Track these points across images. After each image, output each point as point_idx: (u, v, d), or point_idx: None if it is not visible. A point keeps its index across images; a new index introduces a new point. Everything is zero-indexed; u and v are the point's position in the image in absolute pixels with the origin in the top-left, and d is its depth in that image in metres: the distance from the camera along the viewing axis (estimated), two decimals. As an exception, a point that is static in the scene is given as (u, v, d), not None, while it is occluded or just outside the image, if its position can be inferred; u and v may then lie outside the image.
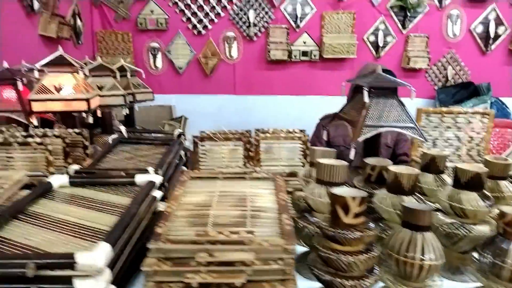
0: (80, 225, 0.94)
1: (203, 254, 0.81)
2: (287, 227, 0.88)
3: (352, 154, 1.33)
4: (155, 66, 4.02)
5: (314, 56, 3.95)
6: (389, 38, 3.97)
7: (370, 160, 1.19)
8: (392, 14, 3.91)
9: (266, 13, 3.88)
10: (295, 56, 3.95)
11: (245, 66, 4.05)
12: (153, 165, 1.42)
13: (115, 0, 3.85)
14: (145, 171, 1.31)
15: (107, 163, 1.48)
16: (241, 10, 3.89)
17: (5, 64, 1.81)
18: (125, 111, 2.28)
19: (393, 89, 1.47)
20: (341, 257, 0.78)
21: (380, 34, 3.93)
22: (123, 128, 1.73)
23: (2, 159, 1.31)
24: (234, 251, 0.82)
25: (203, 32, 3.95)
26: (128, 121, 2.56)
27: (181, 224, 0.95)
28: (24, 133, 1.42)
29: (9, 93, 1.76)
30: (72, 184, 1.19)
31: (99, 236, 0.88)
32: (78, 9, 3.54)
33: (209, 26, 3.94)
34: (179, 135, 1.78)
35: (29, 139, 1.30)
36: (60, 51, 1.80)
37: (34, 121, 1.72)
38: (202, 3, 3.84)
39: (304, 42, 3.97)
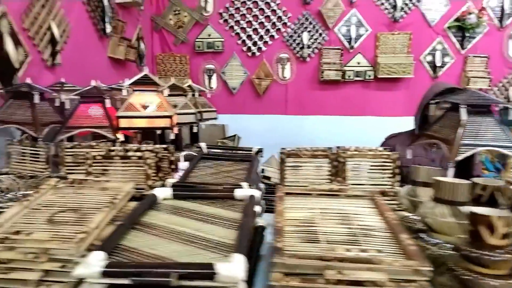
0: (199, 237, 0.95)
1: (332, 271, 0.80)
2: (411, 247, 0.85)
3: (451, 174, 1.29)
4: (210, 86, 4.13)
5: (369, 76, 3.92)
6: (447, 58, 3.88)
7: (478, 180, 1.14)
8: (450, 34, 3.84)
9: (320, 34, 3.92)
10: (348, 77, 3.94)
11: (297, 87, 4.08)
12: (240, 180, 1.43)
13: (175, 25, 4.02)
14: (239, 186, 1.33)
15: (195, 178, 1.51)
16: (295, 32, 3.95)
17: (93, 83, 1.92)
18: (195, 128, 2.35)
19: (487, 106, 1.42)
20: (488, 281, 0.74)
21: (438, 54, 3.86)
22: (203, 145, 1.77)
23: (101, 170, 1.37)
24: (365, 270, 0.80)
25: (257, 53, 4.03)
26: (193, 138, 2.62)
27: (294, 240, 0.94)
28: (125, 147, 1.48)
29: (95, 110, 1.85)
30: (175, 197, 1.22)
31: (223, 248, 0.89)
32: (142, 34, 3.73)
33: (263, 48, 4.02)
34: (257, 152, 1.80)
35: (130, 153, 1.35)
36: (145, 71, 1.89)
37: (121, 137, 1.80)
38: (257, 26, 3.94)
39: (358, 63, 3.96)
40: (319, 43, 3.95)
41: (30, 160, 1.77)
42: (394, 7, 3.79)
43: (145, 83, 1.85)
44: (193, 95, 2.60)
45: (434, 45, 3.88)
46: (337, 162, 1.48)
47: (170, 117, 1.81)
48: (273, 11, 3.90)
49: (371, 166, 1.48)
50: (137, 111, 1.80)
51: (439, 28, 3.85)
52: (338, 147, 1.63)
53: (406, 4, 3.80)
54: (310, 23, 3.90)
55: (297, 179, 1.51)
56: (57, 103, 2.01)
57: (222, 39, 4.01)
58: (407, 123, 3.87)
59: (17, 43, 2.05)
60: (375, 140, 4.10)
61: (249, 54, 4.05)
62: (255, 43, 4.01)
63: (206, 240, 0.94)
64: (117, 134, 1.79)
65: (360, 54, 3.94)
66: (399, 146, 2.44)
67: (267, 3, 3.91)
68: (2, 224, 0.97)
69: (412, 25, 3.84)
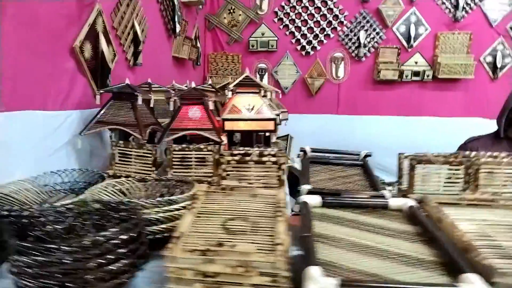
0: (391, 252, 0.91)
1: None
2: None
3: None
4: (261, 86, 4.09)
5: (427, 76, 3.83)
6: (507, 59, 3.77)
7: None
8: (512, 34, 3.73)
9: (377, 33, 3.84)
10: (406, 76, 3.86)
11: (351, 86, 4.02)
12: (364, 187, 1.39)
13: (229, 24, 3.99)
14: (381, 194, 1.29)
15: (318, 183, 1.47)
16: (351, 31, 3.88)
17: (192, 84, 1.89)
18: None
19: None
20: None
21: (499, 55, 3.75)
22: (308, 148, 1.73)
23: (237, 176, 1.33)
24: None
25: (311, 53, 3.98)
26: (266, 140, 2.58)
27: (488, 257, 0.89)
28: (261, 152, 1.44)
29: (197, 112, 1.82)
30: (324, 205, 1.17)
31: (430, 265, 0.84)
32: (198, 33, 3.71)
33: (318, 47, 3.96)
34: (365, 156, 1.75)
35: (264, 158, 1.31)
36: (246, 72, 1.85)
37: (224, 139, 1.76)
38: (312, 25, 3.88)
39: (416, 62, 3.87)
40: (376, 42, 3.88)
41: (136, 162, 1.75)
42: (455, 6, 3.69)
43: (247, 84, 1.81)
44: (265, 96, 2.56)
45: (495, 46, 3.77)
46: (471, 169, 1.42)
47: (274, 119, 1.77)
48: (330, 9, 3.84)
49: (506, 173, 1.42)
50: (241, 113, 1.76)
51: (500, 28, 3.74)
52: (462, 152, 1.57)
53: (468, 4, 3.70)
54: (368, 21, 3.82)
55: (426, 187, 1.46)
56: (151, 104, 1.99)
57: (276, 38, 3.96)
58: (467, 124, 3.78)
59: (108, 42, 2.03)
60: (432, 141, 4.04)
61: (303, 53, 4.00)
62: (309, 42, 3.95)
63: (400, 255, 0.90)
64: (222, 137, 1.76)
65: (419, 54, 3.85)
66: (481, 149, 2.36)
67: (324, 1, 3.85)
68: (184, 233, 0.94)
69: (473, 25, 3.74)
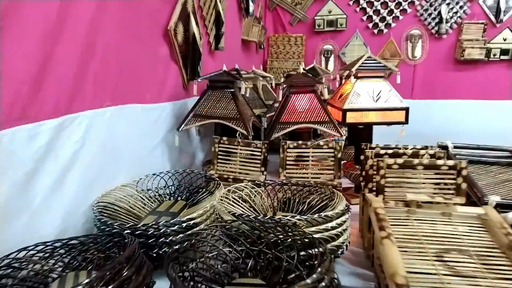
0: None
1: None
2: None
3: None
4: (327, 69, 3.77)
5: (518, 54, 3.39)
6: None
7: None
8: None
9: (461, 7, 3.42)
10: (494, 55, 3.43)
11: (428, 68, 3.62)
12: None
13: (292, 2, 3.67)
14: None
15: (489, 191, 1.19)
16: (431, 5, 3.47)
17: (301, 68, 1.62)
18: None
19: None
20: None
21: None
22: (449, 143, 1.44)
23: (400, 184, 1.06)
24: None
25: (385, 31, 3.60)
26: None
27: None
28: (434, 153, 1.17)
29: (309, 102, 1.55)
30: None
31: None
32: (262, 13, 3.42)
33: (392, 24, 3.58)
34: (519, 153, 1.44)
35: (439, 162, 1.03)
36: (368, 53, 1.56)
37: (344, 132, 1.49)
38: (386, -1, 3.51)
39: (504, 39, 3.42)
40: (459, 17, 3.45)
41: (242, 162, 1.51)
42: (556, -28, 3.21)
43: (370, 68, 1.52)
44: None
45: None
46: None
47: (406, 109, 1.48)
48: (407, -19, 3.45)
49: None
50: (366, 102, 1.48)
51: None
52: None
53: None
54: (450, -7, 3.40)
55: None
56: (246, 93, 1.74)
57: (345, 16, 3.61)
58: None
59: (196, 23, 1.78)
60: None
61: (375, 31, 3.63)
62: (382, 19, 3.57)
63: None
64: (342, 131, 1.49)
65: (508, 29, 3.40)
66: None
67: (400, -28, 3.45)
68: (402, 275, 0.68)
69: None
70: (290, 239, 0.87)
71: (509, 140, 3.49)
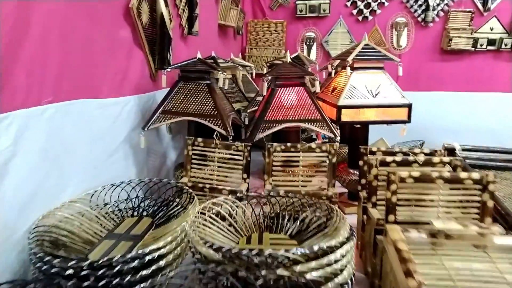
0: None
1: None
2: None
3: None
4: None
5: (505, 45, 3.29)
6: None
7: None
8: None
9: (449, -6, 3.27)
10: (481, 45, 3.31)
11: (413, 57, 3.47)
12: None
13: (273, -16, 3.43)
14: None
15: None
16: (418, -9, 3.31)
17: (288, 57, 1.39)
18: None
19: None
20: None
21: None
22: (457, 145, 1.26)
23: (413, 203, 0.87)
24: None
25: (369, 18, 3.42)
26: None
27: None
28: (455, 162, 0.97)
29: (297, 97, 1.34)
30: None
31: None
32: (240, -5, 3.16)
33: (378, 11, 3.40)
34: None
35: (462, 175, 0.84)
36: (365, 40, 1.36)
37: (337, 135, 1.29)
38: (371, -16, 3.32)
39: (491, 29, 3.31)
40: (446, 4, 3.31)
41: (219, 167, 1.29)
42: (546, -42, 3.10)
43: (368, 57, 1.32)
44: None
45: None
46: None
47: (409, 106, 1.29)
48: (393, -35, 3.26)
49: None
50: (364, 98, 1.28)
51: None
52: None
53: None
54: (438, -20, 3.24)
55: None
56: (221, 85, 1.50)
57: (328, 1, 3.40)
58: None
59: (165, 2, 1.52)
60: (507, 121, 3.53)
61: (359, 18, 3.44)
62: (367, 5, 3.39)
63: None
64: (336, 131, 1.29)
65: (495, 18, 3.29)
66: None
67: (387, -44, 3.26)
68: None
69: None
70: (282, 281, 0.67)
71: (496, 134, 3.44)
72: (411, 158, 0.99)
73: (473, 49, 3.33)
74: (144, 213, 1.12)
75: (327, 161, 1.22)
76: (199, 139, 1.28)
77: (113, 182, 1.15)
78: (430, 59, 3.49)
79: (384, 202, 0.90)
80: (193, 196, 1.06)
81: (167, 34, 1.48)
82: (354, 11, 3.43)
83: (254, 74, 2.22)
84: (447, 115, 3.45)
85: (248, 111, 1.69)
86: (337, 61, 1.45)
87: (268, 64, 1.87)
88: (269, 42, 3.57)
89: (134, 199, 1.14)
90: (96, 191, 1.10)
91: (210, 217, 0.97)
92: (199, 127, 1.37)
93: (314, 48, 3.59)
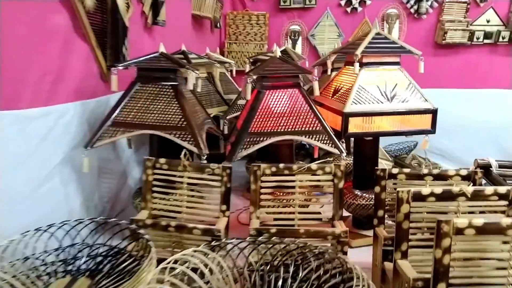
0: None
1: None
2: None
3: None
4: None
5: (502, 38, 3.07)
6: None
7: None
8: None
9: (443, -17, 3.03)
10: (477, 39, 3.09)
11: (405, 53, 3.23)
12: None
13: (254, -28, 3.11)
14: None
15: None
16: (410, -20, 3.06)
17: (277, 51, 1.08)
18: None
19: None
20: None
21: None
22: (492, 161, 0.99)
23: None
24: None
25: (359, 9, 3.15)
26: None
27: None
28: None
29: (292, 102, 1.04)
30: None
31: None
32: (217, -17, 2.83)
33: (367, 2, 3.13)
34: None
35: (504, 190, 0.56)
36: (376, 28, 1.07)
37: (343, 152, 1.00)
38: (361, -28, 3.04)
39: (488, 21, 3.10)
40: (440, -6, 3.08)
41: (190, 196, 0.98)
42: None
43: (381, 50, 1.03)
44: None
45: None
46: None
47: (433, 112, 1.01)
48: (384, -48, 2.99)
49: None
50: (377, 102, 0.99)
51: None
52: None
53: None
54: (432, -32, 3.00)
55: None
56: (197, 87, 1.19)
57: (315, -9, 3.11)
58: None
59: (120, -16, 1.19)
60: (504, 119, 3.32)
61: (348, 10, 3.16)
62: (357, -4, 3.12)
63: None
64: (342, 145, 1.00)
65: (492, 9, 3.07)
66: None
67: None
68: None
69: None
70: None
71: (494, 133, 3.24)
72: (455, 189, 0.71)
73: (469, 42, 3.10)
74: (82, 267, 0.80)
75: (333, 186, 0.92)
76: (162, 160, 0.96)
77: (40, 225, 0.82)
78: (424, 53, 3.20)
79: (416, 244, 0.62)
80: (150, 247, 0.74)
81: (121, 22, 1.16)
82: (342, 2, 3.15)
83: (234, 72, 1.91)
84: (441, 113, 3.22)
85: (228, 117, 1.39)
86: (334, 56, 1.16)
87: (251, 61, 1.56)
88: (250, 36, 3.25)
89: (67, 249, 0.81)
90: (13, 240, 0.77)
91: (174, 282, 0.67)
92: (164, 143, 1.05)
93: (299, 42, 3.29)
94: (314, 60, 2.62)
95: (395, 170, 0.87)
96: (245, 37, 3.25)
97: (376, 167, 0.88)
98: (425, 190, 0.71)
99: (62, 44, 0.98)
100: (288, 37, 3.27)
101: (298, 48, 3.29)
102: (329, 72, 1.42)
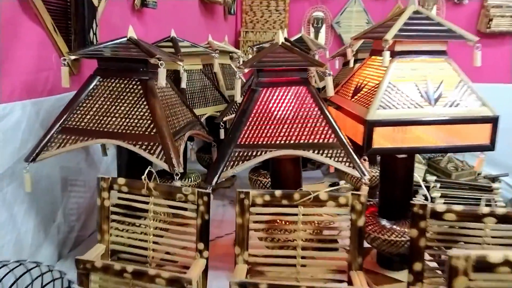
0: None
1: None
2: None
3: None
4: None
5: (559, 25, 2.67)
6: None
7: None
8: None
9: (490, -38, 2.65)
10: (528, 26, 2.70)
11: (442, 42, 2.87)
12: None
13: (273, -48, 2.83)
14: None
15: None
16: (451, -41, 2.70)
17: (280, 37, 0.82)
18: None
19: None
20: None
21: None
22: None
23: None
24: None
25: (391, -7, 2.82)
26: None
27: None
28: None
29: (297, 105, 0.78)
30: None
31: None
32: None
33: (401, -15, 2.79)
34: None
35: None
36: (414, 5, 0.79)
37: (366, 174, 0.73)
38: (394, -48, 2.70)
39: (541, 6, 2.69)
40: (486, -25, 2.70)
41: (158, 229, 0.74)
42: None
43: (420, 34, 0.75)
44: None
45: None
46: None
47: (494, 120, 0.73)
48: None
49: None
50: (415, 106, 0.72)
51: None
52: None
53: None
54: None
55: None
56: (182, 82, 0.95)
57: (341, -26, 2.81)
58: None
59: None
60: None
61: (378, -6, 2.84)
62: (388, -22, 2.78)
63: None
64: (364, 162, 0.73)
65: (547, -8, 2.67)
66: None
67: None
68: None
69: None
70: None
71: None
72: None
73: (518, 30, 2.72)
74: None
75: (349, 223, 0.66)
76: (121, 180, 0.73)
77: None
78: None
79: None
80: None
81: (88, 1, 0.92)
82: (372, -15, 2.84)
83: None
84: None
85: (226, 118, 1.14)
86: (358, 44, 0.88)
87: (254, 49, 1.29)
88: (269, 24, 2.99)
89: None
90: None
91: None
92: (135, 154, 0.81)
93: (323, 31, 2.99)
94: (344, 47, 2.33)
95: (440, 207, 0.60)
96: (263, 25, 2.99)
97: (410, 199, 0.62)
98: (495, 256, 0.44)
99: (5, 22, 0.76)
100: (311, 25, 2.98)
101: (322, 38, 2.99)
102: (351, 64, 1.15)
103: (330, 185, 1.40)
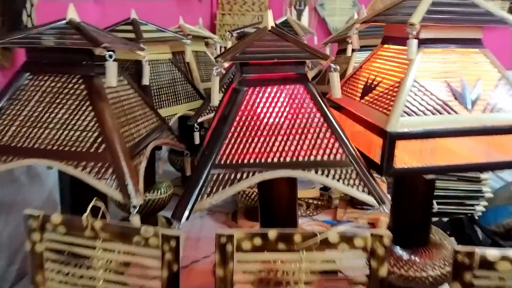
0: None
1: None
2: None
3: None
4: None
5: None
6: None
7: None
8: None
9: None
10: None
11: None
12: None
13: None
14: None
15: None
16: None
17: (269, 20, 0.63)
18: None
19: None
20: None
21: None
22: None
23: None
24: None
25: (378, -27, 2.64)
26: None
27: None
28: None
29: (294, 108, 0.60)
30: None
31: None
32: None
33: (388, -35, 2.62)
34: None
35: None
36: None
37: (386, 202, 0.57)
38: None
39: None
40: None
41: (109, 282, 0.56)
42: None
43: (451, 18, 0.58)
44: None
45: None
46: None
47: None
48: None
49: None
50: (446, 112, 0.56)
51: None
52: None
53: None
54: None
55: None
56: (145, 78, 0.75)
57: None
58: None
59: None
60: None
61: (365, -26, 2.66)
62: (375, -44, 2.60)
63: None
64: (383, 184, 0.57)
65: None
66: None
67: None
68: None
69: None
70: None
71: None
72: None
73: None
74: None
75: (368, 272, 0.50)
76: (56, 218, 0.53)
77: None
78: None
79: None
80: None
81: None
82: (358, -36, 2.66)
83: (219, 50, 1.46)
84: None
85: (202, 119, 0.95)
86: (364, 27, 0.71)
87: (234, 35, 1.09)
88: (247, 5, 2.78)
89: None
90: None
91: None
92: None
93: (305, 13, 2.82)
94: (322, 36, 2.13)
95: (492, 255, 0.44)
96: (241, 6, 2.78)
97: (430, 221, 0.45)
98: None
99: None
100: (292, 6, 2.78)
101: (304, 21, 2.81)
102: (348, 53, 0.98)
103: (321, 189, 1.26)
